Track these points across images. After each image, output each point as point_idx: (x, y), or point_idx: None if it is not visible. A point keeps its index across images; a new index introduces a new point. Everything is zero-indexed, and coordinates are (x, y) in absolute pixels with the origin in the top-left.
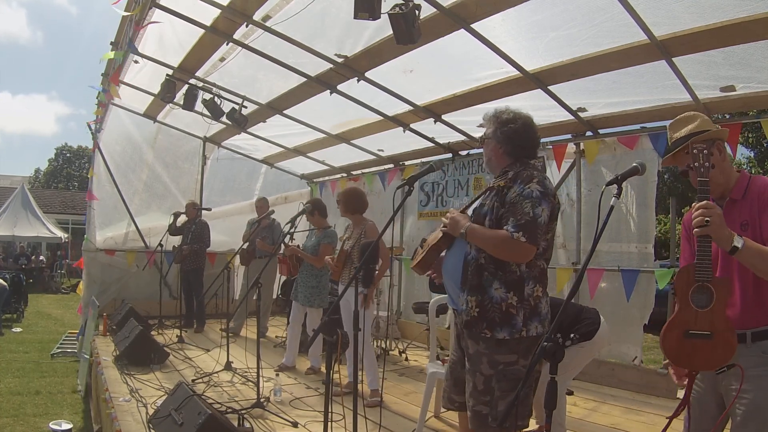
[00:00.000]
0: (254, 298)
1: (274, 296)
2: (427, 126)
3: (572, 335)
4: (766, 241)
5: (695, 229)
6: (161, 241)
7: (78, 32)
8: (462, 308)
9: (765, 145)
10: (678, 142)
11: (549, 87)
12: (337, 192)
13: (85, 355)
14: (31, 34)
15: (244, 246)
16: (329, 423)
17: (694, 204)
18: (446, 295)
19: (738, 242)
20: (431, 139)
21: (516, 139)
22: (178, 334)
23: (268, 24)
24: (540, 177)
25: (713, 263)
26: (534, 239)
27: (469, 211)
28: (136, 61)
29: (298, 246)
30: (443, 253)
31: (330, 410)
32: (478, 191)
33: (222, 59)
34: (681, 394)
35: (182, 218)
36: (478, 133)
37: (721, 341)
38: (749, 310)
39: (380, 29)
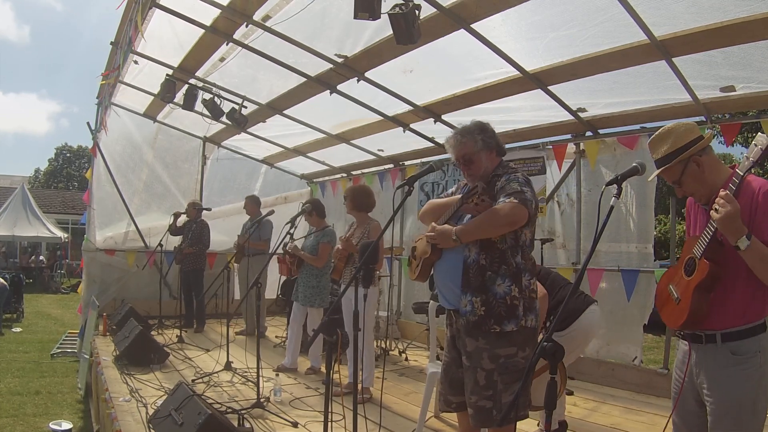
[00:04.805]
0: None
1: (274, 296)
2: (427, 126)
3: (548, 321)
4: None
5: (711, 211)
6: (161, 241)
7: (64, 29)
8: (466, 309)
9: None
10: (656, 164)
11: (549, 87)
12: (338, 191)
13: (85, 355)
14: (18, 31)
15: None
16: (329, 423)
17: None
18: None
19: (742, 244)
20: (431, 139)
21: (497, 140)
22: (178, 334)
23: (268, 24)
24: (521, 171)
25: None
26: (524, 203)
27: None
28: (135, 62)
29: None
30: None
31: (330, 410)
32: None
33: (222, 59)
34: None
35: (183, 218)
36: None
37: (682, 309)
38: (720, 311)
39: (380, 29)
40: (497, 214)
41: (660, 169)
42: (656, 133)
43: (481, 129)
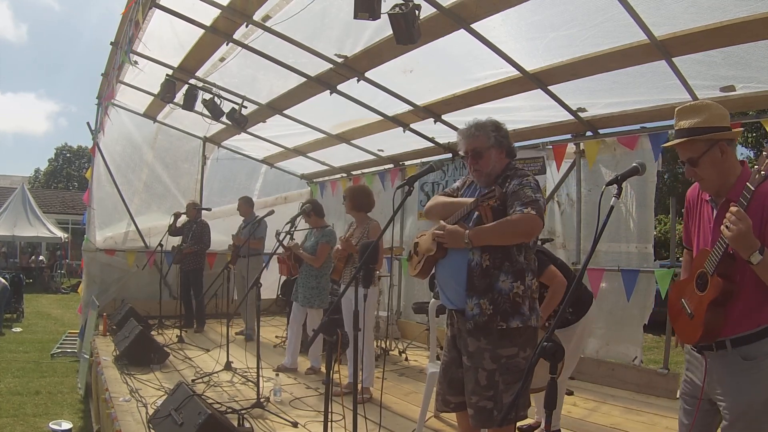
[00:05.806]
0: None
1: (273, 296)
2: (427, 126)
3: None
4: None
5: (722, 228)
6: (161, 241)
7: (63, 29)
8: (473, 313)
9: (765, 144)
10: (679, 134)
11: (549, 87)
12: (338, 191)
13: (85, 355)
14: (15, 30)
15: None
16: (329, 423)
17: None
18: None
19: (754, 259)
20: (431, 139)
21: (510, 142)
22: (178, 334)
23: (268, 24)
24: (531, 174)
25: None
26: (540, 214)
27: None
28: (135, 62)
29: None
30: None
31: (330, 410)
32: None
33: (222, 59)
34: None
35: (183, 218)
36: None
37: (696, 325)
38: (728, 319)
39: (380, 29)
40: (516, 226)
41: (683, 139)
42: (690, 103)
43: (496, 127)
